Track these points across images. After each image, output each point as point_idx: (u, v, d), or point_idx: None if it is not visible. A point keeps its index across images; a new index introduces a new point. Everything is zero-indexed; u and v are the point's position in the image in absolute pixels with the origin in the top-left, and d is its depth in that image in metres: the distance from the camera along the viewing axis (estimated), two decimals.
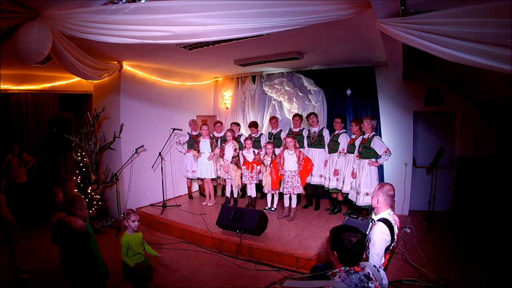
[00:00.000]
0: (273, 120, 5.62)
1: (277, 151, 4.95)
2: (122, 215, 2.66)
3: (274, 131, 5.55)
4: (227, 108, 6.98)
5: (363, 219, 2.27)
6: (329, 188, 4.88)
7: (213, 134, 5.71)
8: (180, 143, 5.69)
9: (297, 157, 4.49)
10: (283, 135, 5.37)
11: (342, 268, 1.58)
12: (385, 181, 4.74)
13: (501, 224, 3.79)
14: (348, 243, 1.57)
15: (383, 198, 2.21)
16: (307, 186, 5.11)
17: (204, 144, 5.46)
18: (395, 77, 4.92)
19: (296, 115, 5.34)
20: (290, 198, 4.65)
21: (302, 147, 5.11)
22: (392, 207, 2.28)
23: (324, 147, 4.99)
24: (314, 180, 5.01)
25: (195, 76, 6.50)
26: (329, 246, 1.68)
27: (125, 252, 2.60)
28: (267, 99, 6.40)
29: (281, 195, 4.84)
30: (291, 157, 4.50)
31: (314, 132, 5.04)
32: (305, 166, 4.49)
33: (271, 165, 4.64)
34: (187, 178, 5.92)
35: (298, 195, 4.86)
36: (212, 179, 5.57)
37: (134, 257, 2.65)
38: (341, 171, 4.69)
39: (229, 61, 5.24)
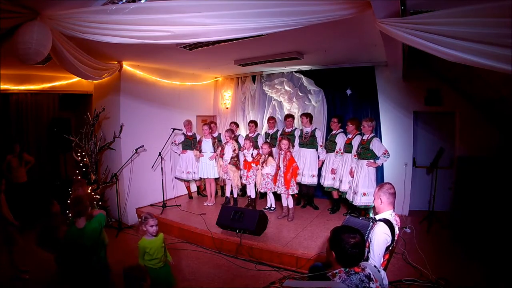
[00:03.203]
0: (272, 120, 5.62)
1: (273, 151, 4.93)
2: (138, 220, 2.53)
3: (270, 131, 5.56)
4: (227, 108, 6.98)
5: (364, 219, 2.26)
6: (324, 185, 4.91)
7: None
8: (175, 143, 5.65)
9: (283, 158, 4.50)
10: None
11: (342, 269, 1.58)
12: (385, 182, 4.75)
13: (501, 224, 3.80)
14: (347, 244, 1.57)
15: (386, 197, 2.22)
16: (301, 186, 5.11)
17: (206, 144, 5.45)
18: (395, 77, 4.92)
19: (288, 115, 5.34)
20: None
21: (293, 147, 5.11)
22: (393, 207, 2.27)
23: (316, 148, 4.99)
24: (305, 180, 5.00)
25: (195, 76, 6.50)
26: (329, 246, 1.69)
27: (142, 256, 2.50)
28: (267, 99, 6.39)
29: (278, 196, 4.83)
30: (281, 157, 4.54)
31: (306, 132, 5.04)
32: (288, 167, 4.44)
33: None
34: (180, 179, 5.80)
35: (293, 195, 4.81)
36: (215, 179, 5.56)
37: (151, 262, 2.50)
38: (338, 170, 4.71)
39: (229, 61, 5.24)
